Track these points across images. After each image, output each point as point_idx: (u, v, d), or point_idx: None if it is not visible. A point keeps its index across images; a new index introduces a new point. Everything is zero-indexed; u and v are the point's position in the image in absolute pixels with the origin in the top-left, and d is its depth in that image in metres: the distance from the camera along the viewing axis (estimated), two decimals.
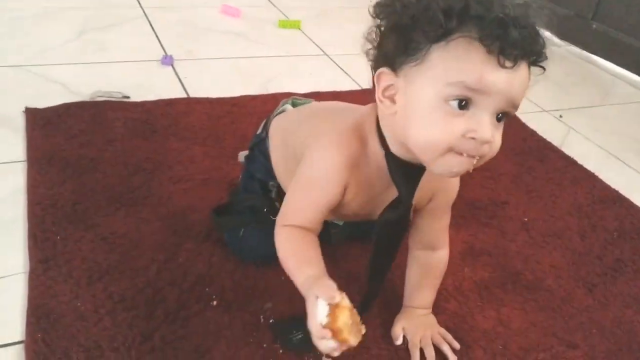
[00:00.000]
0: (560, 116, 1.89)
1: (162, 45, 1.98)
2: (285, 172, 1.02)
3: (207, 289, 1.04)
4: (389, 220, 0.89)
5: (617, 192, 1.52)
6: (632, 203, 1.48)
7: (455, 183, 0.97)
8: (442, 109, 0.72)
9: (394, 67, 0.76)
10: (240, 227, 1.08)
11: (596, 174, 1.59)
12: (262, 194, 1.07)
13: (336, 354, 0.75)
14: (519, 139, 1.71)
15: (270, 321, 0.99)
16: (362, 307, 0.95)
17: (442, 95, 0.71)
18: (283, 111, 1.09)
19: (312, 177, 0.87)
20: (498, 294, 1.14)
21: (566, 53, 2.48)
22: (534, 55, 0.73)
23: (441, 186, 0.95)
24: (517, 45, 0.69)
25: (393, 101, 0.78)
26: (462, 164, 0.75)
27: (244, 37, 2.16)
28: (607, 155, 1.74)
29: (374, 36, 0.80)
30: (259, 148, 1.09)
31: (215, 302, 1.01)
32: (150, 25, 2.13)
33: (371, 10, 0.79)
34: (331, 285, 0.76)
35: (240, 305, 1.02)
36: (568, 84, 2.20)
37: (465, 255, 1.22)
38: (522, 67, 0.72)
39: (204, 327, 0.97)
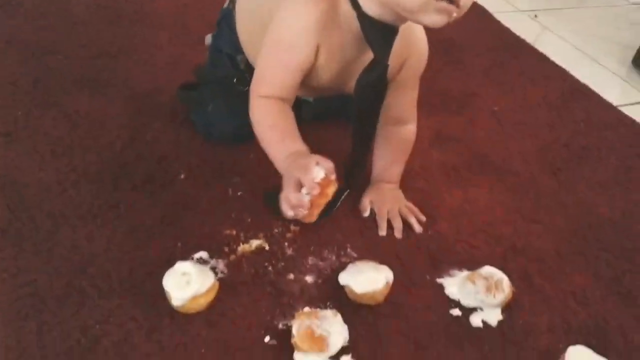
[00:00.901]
0: (535, 16, 1.87)
1: None
2: (252, 43, 0.99)
3: (174, 165, 1.03)
4: (367, 83, 0.88)
5: (587, 87, 1.53)
6: (601, 97, 1.49)
7: (424, 51, 0.95)
8: None
9: None
10: (208, 102, 1.06)
11: (568, 70, 1.58)
12: (231, 65, 1.04)
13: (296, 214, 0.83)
14: (493, 36, 1.69)
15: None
16: (347, 180, 0.96)
17: None
18: None
19: (282, 38, 0.85)
20: (465, 175, 1.15)
21: None
22: None
23: (412, 52, 0.93)
24: None
25: None
26: (444, 17, 0.75)
27: None
28: (580, 54, 1.73)
29: None
30: (226, 21, 1.06)
31: (182, 176, 1.01)
32: None
33: None
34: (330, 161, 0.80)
35: (208, 180, 1.01)
36: None
37: (433, 140, 1.23)
38: None
39: (171, 198, 0.96)
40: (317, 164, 0.80)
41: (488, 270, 0.90)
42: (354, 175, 0.99)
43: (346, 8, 0.83)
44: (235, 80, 1.03)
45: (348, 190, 0.99)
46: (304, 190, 0.80)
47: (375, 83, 0.88)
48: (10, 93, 1.10)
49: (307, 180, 0.78)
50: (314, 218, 0.87)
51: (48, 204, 0.91)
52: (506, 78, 1.50)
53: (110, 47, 1.28)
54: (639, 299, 0.96)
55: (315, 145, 1.09)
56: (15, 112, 1.06)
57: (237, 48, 1.03)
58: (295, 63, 0.86)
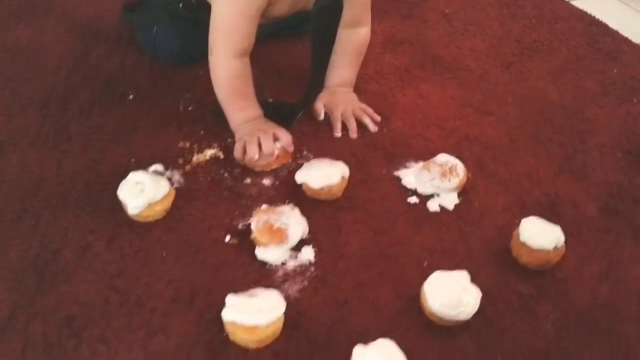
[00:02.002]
0: None
1: None
2: None
3: (121, 88, 1.01)
4: (323, 7, 0.88)
5: None
6: None
7: None
8: None
9: None
10: (153, 24, 1.03)
11: None
12: None
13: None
14: None
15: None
16: (305, 98, 0.96)
17: None
18: None
19: None
20: (418, 74, 1.16)
21: None
22: None
23: None
24: None
25: None
26: None
27: None
28: None
29: None
30: None
31: (131, 97, 0.99)
32: None
33: None
34: (288, 133, 0.89)
35: (158, 98, 1.00)
36: None
37: (386, 44, 1.22)
38: None
39: (121, 118, 0.95)
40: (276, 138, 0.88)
41: (443, 157, 0.92)
42: (312, 93, 0.99)
43: None
44: (180, 5, 1.01)
45: (303, 111, 0.99)
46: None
47: (332, 4, 0.88)
48: None
49: (269, 148, 0.86)
50: (269, 168, 0.89)
51: None
52: None
53: None
54: (590, 176, 0.99)
55: (272, 65, 1.09)
56: None
57: None
58: (253, 11, 0.85)
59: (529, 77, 1.21)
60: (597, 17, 1.41)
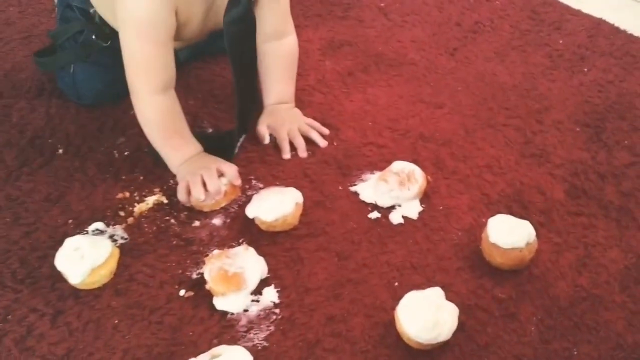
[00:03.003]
0: None
1: None
2: (101, 2, 0.91)
3: (49, 141, 0.94)
4: (234, 19, 0.83)
5: None
6: None
7: None
8: None
9: None
10: (70, 64, 0.97)
11: None
12: (85, 20, 0.95)
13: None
14: None
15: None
16: (239, 123, 0.90)
17: None
18: None
19: (139, 22, 0.79)
20: (362, 77, 1.11)
21: None
22: None
23: None
24: None
25: None
26: None
27: None
28: None
29: None
30: None
31: (61, 151, 0.92)
32: None
33: None
34: (233, 166, 0.84)
35: (90, 147, 0.93)
36: None
37: (325, 49, 1.17)
38: None
39: (53, 176, 0.88)
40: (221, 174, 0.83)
41: (398, 165, 0.87)
42: (245, 115, 0.93)
43: None
44: (94, 36, 0.94)
45: (244, 135, 0.94)
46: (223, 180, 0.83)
47: (243, 15, 0.83)
48: None
49: (213, 187, 0.81)
50: (217, 206, 0.84)
51: None
52: None
53: None
54: (551, 156, 0.96)
55: (207, 91, 1.03)
56: None
57: (88, 1, 0.94)
58: (163, 37, 0.80)
59: (476, 60, 1.17)
60: None
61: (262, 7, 0.91)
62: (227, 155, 0.89)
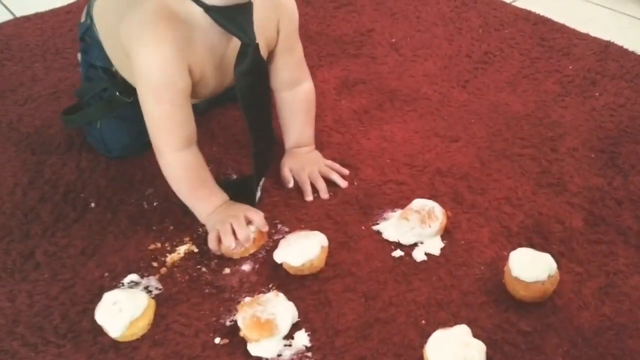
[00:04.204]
0: None
1: None
2: (120, 61, 0.95)
3: (82, 195, 0.98)
4: (245, 70, 0.86)
5: None
6: None
7: (292, 6, 0.93)
8: None
9: None
10: (97, 120, 1.01)
11: None
12: (108, 78, 1.00)
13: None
14: None
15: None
16: (257, 168, 0.94)
17: None
18: None
19: (154, 85, 0.82)
20: (378, 114, 1.14)
21: None
22: None
23: (281, 13, 0.91)
24: None
25: None
26: None
27: None
28: None
29: None
30: (89, 36, 1.00)
31: (93, 204, 0.96)
32: None
33: None
34: (259, 212, 0.87)
35: (121, 199, 0.97)
36: None
37: (340, 89, 1.20)
38: None
39: (87, 230, 0.92)
40: (248, 221, 0.86)
41: (418, 202, 0.90)
42: (264, 160, 0.96)
43: (190, 9, 0.81)
44: (117, 92, 0.99)
45: (263, 179, 0.97)
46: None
47: (253, 66, 0.85)
48: None
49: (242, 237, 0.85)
50: (247, 253, 0.87)
51: None
52: (397, 6, 1.47)
53: None
54: (568, 184, 0.98)
55: (229, 136, 1.07)
56: None
57: (110, 60, 0.98)
58: (179, 96, 0.83)
59: (488, 91, 1.20)
60: (541, 13, 1.41)
61: (277, 59, 0.95)
62: (250, 201, 0.92)
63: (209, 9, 0.79)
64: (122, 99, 0.98)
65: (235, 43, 0.84)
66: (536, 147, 1.05)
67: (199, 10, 0.80)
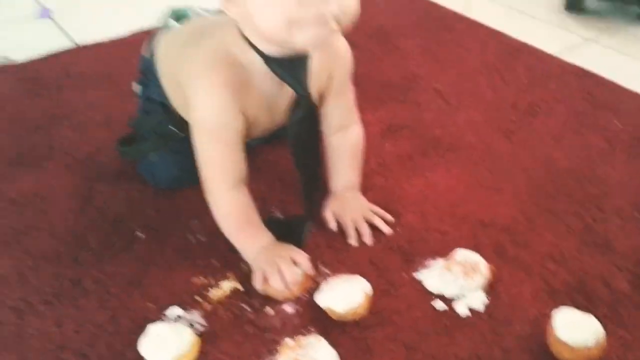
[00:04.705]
0: None
1: None
2: (177, 97, 0.97)
3: (130, 224, 1.00)
4: (298, 119, 0.88)
5: (524, 43, 1.54)
6: (539, 50, 1.50)
7: (347, 55, 0.95)
8: None
9: None
10: (150, 152, 1.04)
11: (502, 31, 1.59)
12: (164, 112, 1.02)
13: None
14: (423, 13, 1.69)
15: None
16: (306, 211, 0.96)
17: None
18: (166, 27, 1.04)
19: (210, 126, 0.85)
20: (421, 161, 1.15)
21: None
22: None
23: (336, 62, 0.93)
24: None
25: (236, 5, 0.77)
26: (318, 32, 0.75)
27: None
28: (511, 11, 1.74)
29: None
30: (150, 70, 1.03)
31: (140, 234, 0.99)
32: None
33: None
34: (305, 255, 0.88)
35: (168, 231, 0.99)
36: None
37: (384, 133, 1.22)
38: None
39: (134, 260, 0.94)
40: (294, 262, 0.87)
41: (462, 254, 0.90)
42: (311, 203, 0.98)
43: (251, 56, 0.83)
44: (171, 127, 1.01)
45: (311, 223, 0.98)
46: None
47: (306, 115, 0.88)
48: None
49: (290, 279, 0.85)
50: (291, 295, 0.87)
51: (10, 297, 0.89)
52: (443, 53, 1.50)
53: (42, 119, 1.26)
54: (613, 244, 0.97)
55: (275, 174, 1.08)
56: None
57: (167, 95, 1.01)
58: (233, 137, 0.86)
59: (532, 143, 1.20)
60: (588, 69, 1.41)
61: (328, 103, 0.97)
62: (296, 243, 0.93)
63: (267, 59, 0.82)
64: (176, 133, 1.01)
65: (289, 88, 0.87)
66: (581, 204, 1.05)
67: (258, 58, 0.82)
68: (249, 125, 0.88)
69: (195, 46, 0.88)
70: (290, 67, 0.83)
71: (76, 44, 1.57)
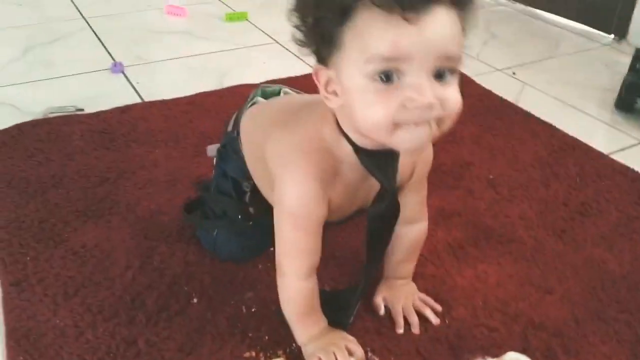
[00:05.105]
0: (514, 73, 1.92)
1: (109, 53, 1.95)
2: (259, 176, 0.99)
3: (185, 288, 1.03)
4: (380, 212, 0.88)
5: (575, 139, 1.56)
6: (590, 147, 1.52)
7: (430, 153, 0.96)
8: (372, 87, 0.68)
9: (325, 62, 0.73)
10: (214, 229, 1.08)
11: (554, 124, 1.62)
12: (236, 197, 1.05)
13: None
14: (477, 100, 1.73)
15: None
16: (359, 293, 0.97)
17: (366, 74, 0.68)
18: (254, 103, 1.05)
19: (295, 214, 0.84)
20: (472, 252, 1.16)
21: (512, 11, 2.51)
22: None
23: (419, 158, 0.93)
24: None
25: (336, 94, 0.74)
26: (419, 135, 0.71)
27: (192, 34, 2.14)
28: (563, 105, 1.77)
29: (298, 37, 0.76)
30: (232, 147, 1.05)
31: (195, 300, 1.01)
32: (95, 34, 2.10)
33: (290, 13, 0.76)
34: (359, 347, 0.90)
35: (222, 299, 1.02)
36: (517, 41, 2.23)
37: (437, 219, 1.24)
38: (439, 13, 0.66)
39: (187, 325, 0.97)
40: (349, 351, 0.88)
41: (512, 357, 0.90)
42: (365, 288, 0.99)
43: (343, 146, 0.81)
44: (239, 217, 1.05)
45: (359, 304, 1.00)
46: None
47: (387, 210, 0.88)
48: (16, 237, 1.12)
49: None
50: None
51: (67, 351, 0.91)
52: (496, 142, 1.53)
53: (108, 172, 1.32)
54: None
55: (329, 250, 1.11)
56: (24, 258, 1.07)
57: (244, 174, 1.03)
58: (314, 226, 0.86)
59: (584, 244, 1.20)
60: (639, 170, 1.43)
61: (403, 196, 0.95)
62: (342, 320, 0.95)
63: (358, 150, 0.80)
64: (243, 222, 1.04)
65: (373, 179, 0.85)
66: (632, 314, 1.04)
67: (349, 148, 0.81)
68: (330, 212, 0.87)
69: (288, 128, 0.86)
70: (380, 162, 0.81)
71: (142, 99, 1.65)
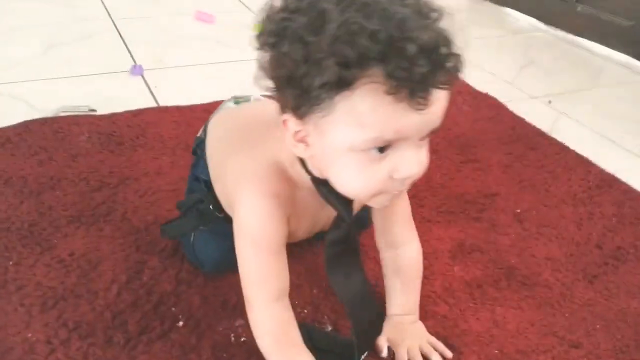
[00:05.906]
0: (550, 102, 1.81)
1: (131, 55, 1.91)
2: (222, 187, 0.93)
3: (173, 309, 0.95)
4: (335, 240, 0.84)
5: (613, 176, 1.44)
6: (630, 187, 1.40)
7: None
8: (363, 157, 0.67)
9: (300, 116, 0.68)
10: (190, 231, 1.01)
11: (590, 158, 1.50)
12: (207, 191, 0.98)
13: None
14: (508, 127, 1.62)
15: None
16: (359, 347, 0.88)
17: (360, 147, 0.66)
18: (222, 109, 1.04)
19: (255, 235, 0.81)
20: (491, 292, 1.05)
21: (552, 38, 2.40)
22: (446, 83, 0.64)
23: None
24: (427, 83, 0.61)
25: (307, 144, 0.71)
26: (393, 196, 0.75)
27: (218, 42, 2.09)
28: (601, 138, 1.65)
29: (270, 86, 0.72)
30: (200, 150, 1.01)
31: (181, 323, 0.93)
32: (120, 36, 2.06)
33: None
34: None
35: (210, 324, 0.93)
36: (556, 69, 2.11)
37: (455, 253, 1.14)
38: (441, 96, 0.66)
39: (168, 351, 0.88)
40: None
41: None
42: (367, 332, 0.90)
43: (301, 174, 0.79)
44: (211, 206, 0.97)
45: (367, 353, 0.90)
46: None
47: (343, 239, 0.84)
48: (2, 239, 1.06)
49: None
50: None
51: None
52: (526, 173, 1.42)
53: (110, 177, 1.25)
54: None
55: (320, 274, 1.02)
56: (6, 262, 1.01)
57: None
58: (275, 246, 0.81)
59: (618, 294, 1.08)
60: None
61: (379, 217, 0.92)
62: None
63: (315, 181, 0.78)
64: (214, 212, 0.96)
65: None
66: None
67: (307, 177, 0.79)
68: (291, 232, 0.84)
69: (245, 152, 0.85)
70: (338, 193, 0.76)
71: (158, 104, 1.59)
